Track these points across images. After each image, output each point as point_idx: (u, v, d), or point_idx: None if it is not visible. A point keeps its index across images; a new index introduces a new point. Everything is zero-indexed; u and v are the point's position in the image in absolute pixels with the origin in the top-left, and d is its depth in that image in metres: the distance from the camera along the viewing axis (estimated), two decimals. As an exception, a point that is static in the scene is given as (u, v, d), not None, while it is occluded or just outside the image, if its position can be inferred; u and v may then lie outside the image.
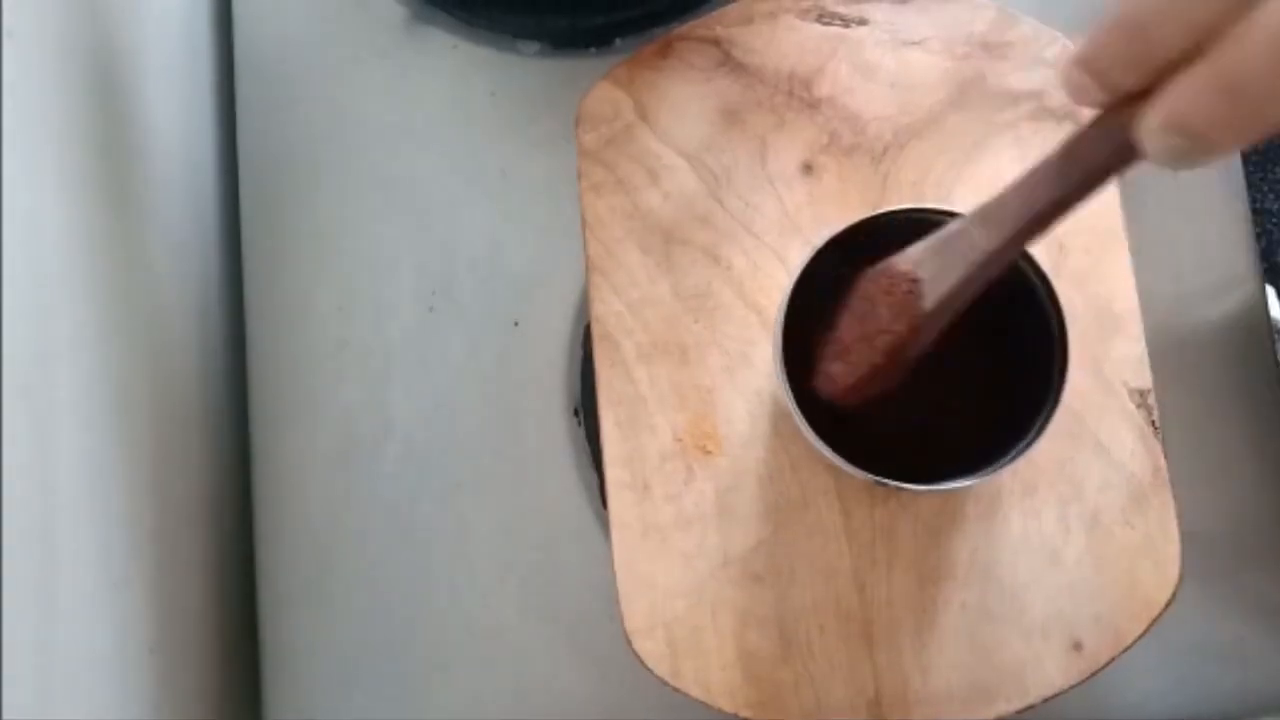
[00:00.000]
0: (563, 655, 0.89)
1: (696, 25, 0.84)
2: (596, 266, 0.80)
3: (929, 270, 0.64)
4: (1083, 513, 0.76)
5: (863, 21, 0.83)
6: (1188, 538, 0.76)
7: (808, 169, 0.81)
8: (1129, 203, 0.79)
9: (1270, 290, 0.94)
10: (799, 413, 0.69)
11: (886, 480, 0.68)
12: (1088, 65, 0.52)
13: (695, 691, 0.75)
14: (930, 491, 0.74)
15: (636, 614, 0.76)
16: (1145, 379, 0.77)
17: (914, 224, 0.72)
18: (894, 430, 0.77)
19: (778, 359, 0.70)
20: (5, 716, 0.62)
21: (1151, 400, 0.77)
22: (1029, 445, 0.69)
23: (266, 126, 0.97)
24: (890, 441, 0.77)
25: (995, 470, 0.69)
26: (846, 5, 0.84)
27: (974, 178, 0.80)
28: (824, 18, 0.83)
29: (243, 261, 0.95)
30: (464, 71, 0.97)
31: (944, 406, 0.77)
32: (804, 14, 0.83)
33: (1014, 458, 0.69)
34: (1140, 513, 0.76)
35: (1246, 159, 1.15)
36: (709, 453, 0.77)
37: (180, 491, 0.89)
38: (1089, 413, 0.77)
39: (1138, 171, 0.80)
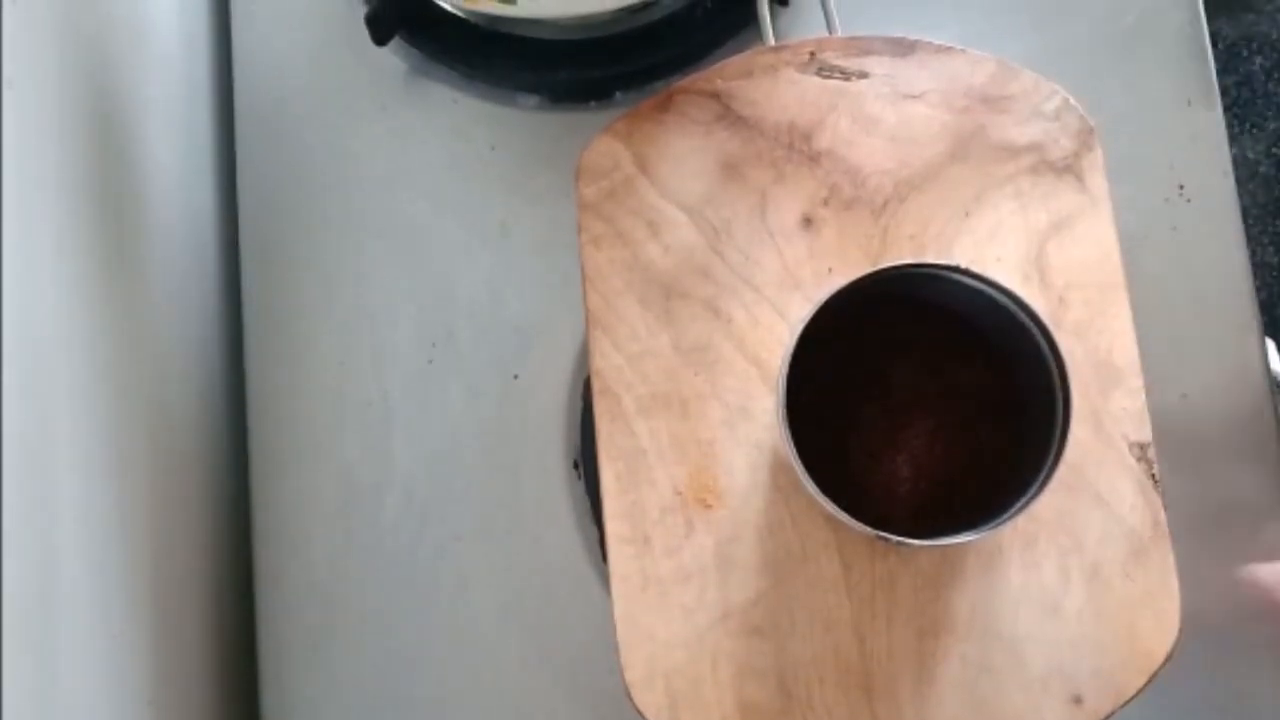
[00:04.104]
0: (562, 707, 0.89)
1: (696, 79, 0.84)
2: (596, 320, 0.80)
3: None
4: (1083, 565, 0.76)
5: (863, 75, 0.83)
6: (1187, 590, 0.76)
7: (807, 222, 0.81)
8: (1129, 256, 0.79)
9: (1270, 344, 0.94)
10: (801, 466, 0.69)
11: (888, 536, 0.68)
12: None
13: (695, 744, 0.75)
14: (931, 547, 0.73)
15: (636, 666, 0.76)
16: (1145, 432, 0.77)
17: (914, 278, 0.72)
18: (894, 483, 0.77)
19: (781, 412, 0.70)
20: (4, 768, 0.62)
21: (1151, 453, 0.77)
22: (1030, 500, 0.69)
23: (267, 179, 0.98)
24: (890, 494, 0.77)
25: (996, 526, 0.69)
26: (846, 58, 0.84)
27: (974, 230, 0.80)
28: (824, 71, 0.84)
29: (243, 313, 0.96)
30: (464, 125, 0.98)
31: (944, 458, 0.77)
32: (804, 67, 0.84)
33: (1015, 513, 0.69)
34: (1140, 565, 0.76)
35: (1247, 213, 1.15)
36: (709, 506, 0.77)
37: (180, 543, 0.89)
38: (1089, 465, 0.77)
39: (1138, 223, 0.81)
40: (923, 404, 0.79)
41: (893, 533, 0.68)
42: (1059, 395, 0.70)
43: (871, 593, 0.76)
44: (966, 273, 0.71)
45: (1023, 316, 0.71)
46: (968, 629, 0.75)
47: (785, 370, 0.70)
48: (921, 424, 0.78)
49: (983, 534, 0.69)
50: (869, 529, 0.69)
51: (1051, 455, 0.70)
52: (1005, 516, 0.69)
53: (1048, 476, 0.69)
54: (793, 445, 0.70)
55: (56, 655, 0.70)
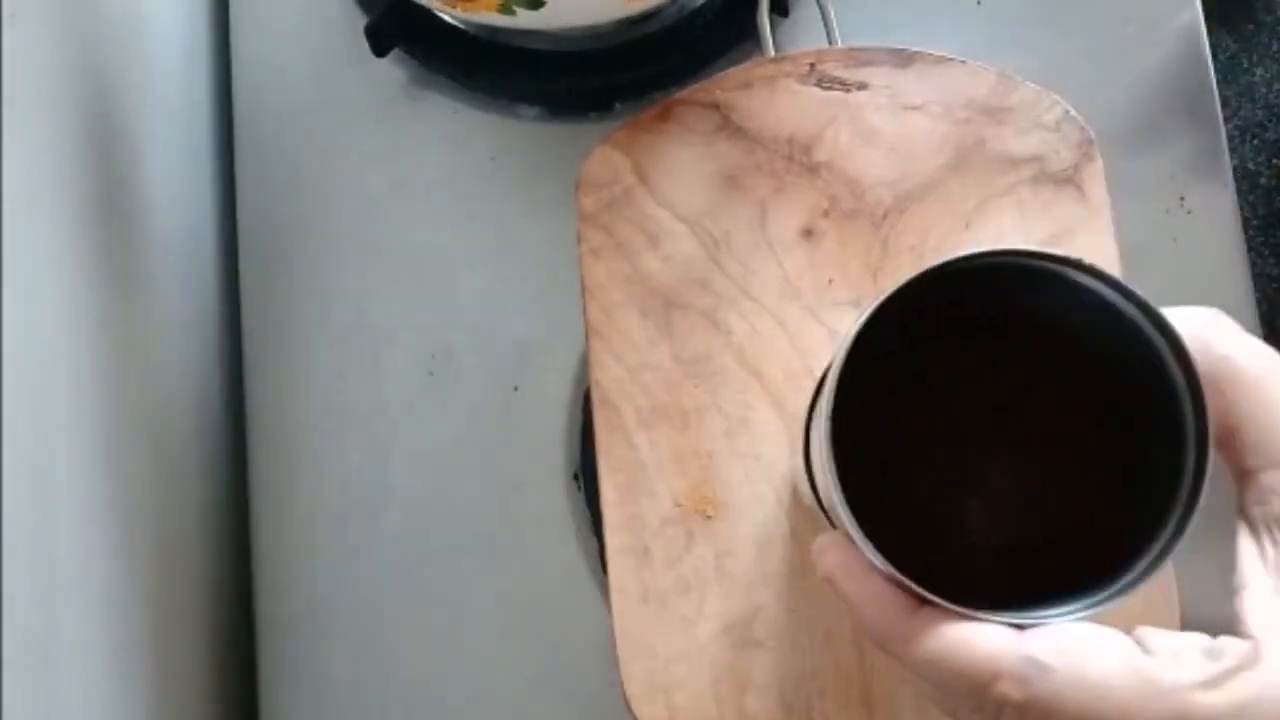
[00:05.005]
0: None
1: (696, 90, 0.84)
2: (596, 331, 0.80)
3: None
4: (1084, 577, 0.75)
5: (863, 86, 0.83)
6: (1188, 603, 0.75)
7: (807, 233, 0.81)
8: (1130, 267, 0.79)
9: (1272, 354, 0.93)
10: (853, 519, 0.54)
11: (974, 613, 0.53)
12: None
13: (695, 758, 0.75)
14: (1030, 621, 0.54)
15: (636, 679, 0.75)
16: (1146, 443, 0.76)
17: (998, 274, 0.57)
18: (963, 535, 0.69)
19: (826, 451, 0.55)
20: (4, 781, 0.62)
21: (1153, 465, 0.76)
22: (1152, 569, 0.55)
23: (266, 190, 0.98)
24: (959, 548, 0.69)
25: (1110, 598, 0.55)
26: (846, 70, 0.84)
27: (974, 242, 0.80)
28: (824, 82, 0.83)
29: (242, 325, 0.95)
30: (464, 136, 0.98)
31: (1027, 506, 0.69)
32: (803, 79, 0.84)
33: (1135, 582, 0.55)
34: (1142, 578, 0.75)
35: (1247, 224, 1.15)
36: (709, 518, 0.77)
37: (180, 557, 0.89)
38: (1090, 477, 0.76)
39: (1138, 234, 0.80)
40: (1000, 442, 0.68)
41: (976, 597, 0.53)
42: (1190, 440, 0.55)
43: (872, 605, 0.75)
44: (1080, 266, 0.56)
45: (1151, 332, 0.58)
46: (968, 641, 0.75)
47: (830, 399, 0.56)
48: (999, 466, 0.68)
49: (1095, 608, 0.55)
50: (956, 607, 0.53)
51: (1176, 517, 0.55)
52: (1119, 586, 0.55)
53: (1172, 542, 0.55)
54: (841, 492, 0.54)
55: (56, 666, 0.70)
